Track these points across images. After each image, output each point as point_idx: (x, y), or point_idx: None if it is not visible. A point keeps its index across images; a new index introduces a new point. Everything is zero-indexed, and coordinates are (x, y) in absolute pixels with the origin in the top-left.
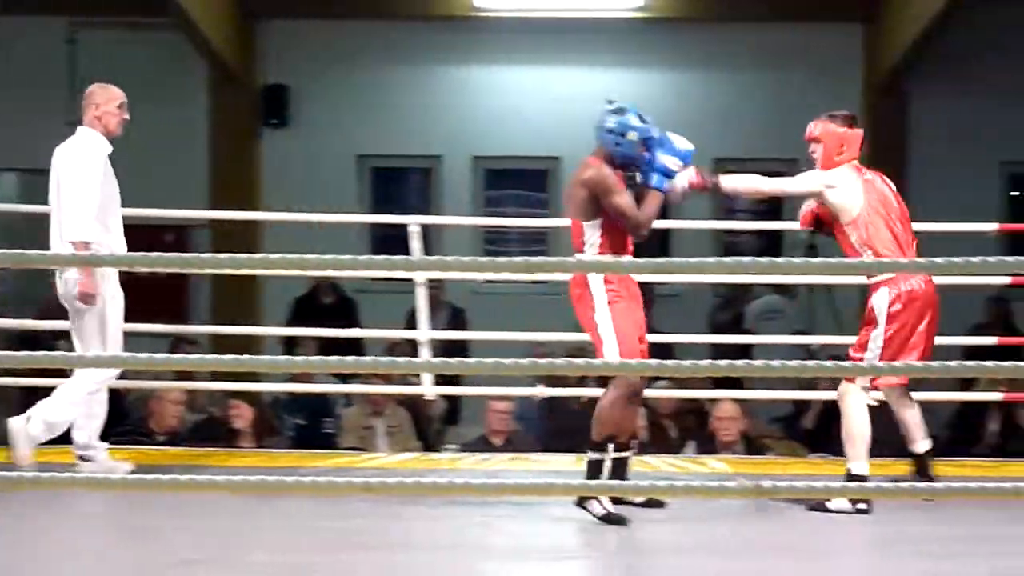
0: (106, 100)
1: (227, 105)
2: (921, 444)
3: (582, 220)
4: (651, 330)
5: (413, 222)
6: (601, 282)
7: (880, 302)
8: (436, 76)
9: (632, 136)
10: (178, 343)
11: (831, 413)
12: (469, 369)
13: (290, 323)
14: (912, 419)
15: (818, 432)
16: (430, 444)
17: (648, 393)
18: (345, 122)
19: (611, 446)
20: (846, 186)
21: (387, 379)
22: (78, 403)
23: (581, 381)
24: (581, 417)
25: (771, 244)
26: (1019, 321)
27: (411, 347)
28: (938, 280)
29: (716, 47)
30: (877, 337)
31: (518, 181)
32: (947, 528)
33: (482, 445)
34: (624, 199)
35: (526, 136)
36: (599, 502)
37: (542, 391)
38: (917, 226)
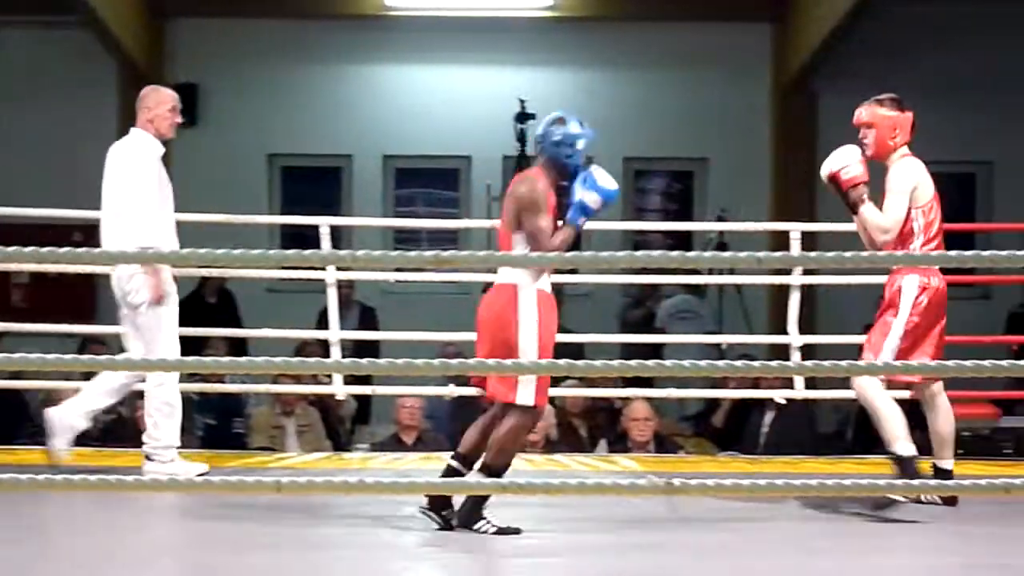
0: (157, 103)
1: None
2: (944, 463)
3: (512, 231)
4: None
5: (324, 222)
6: (532, 298)
7: (909, 288)
8: (346, 75)
9: (581, 145)
10: (86, 344)
11: (741, 411)
12: (380, 369)
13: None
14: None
15: (728, 430)
16: (341, 443)
17: (558, 392)
18: (255, 121)
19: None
20: (921, 177)
21: (297, 379)
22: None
23: None
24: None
25: (680, 244)
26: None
27: (322, 347)
28: (854, 280)
29: (625, 46)
30: (899, 325)
31: (428, 180)
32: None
33: (393, 444)
34: (543, 223)
35: (437, 135)
36: (487, 520)
37: (452, 390)
38: (825, 226)
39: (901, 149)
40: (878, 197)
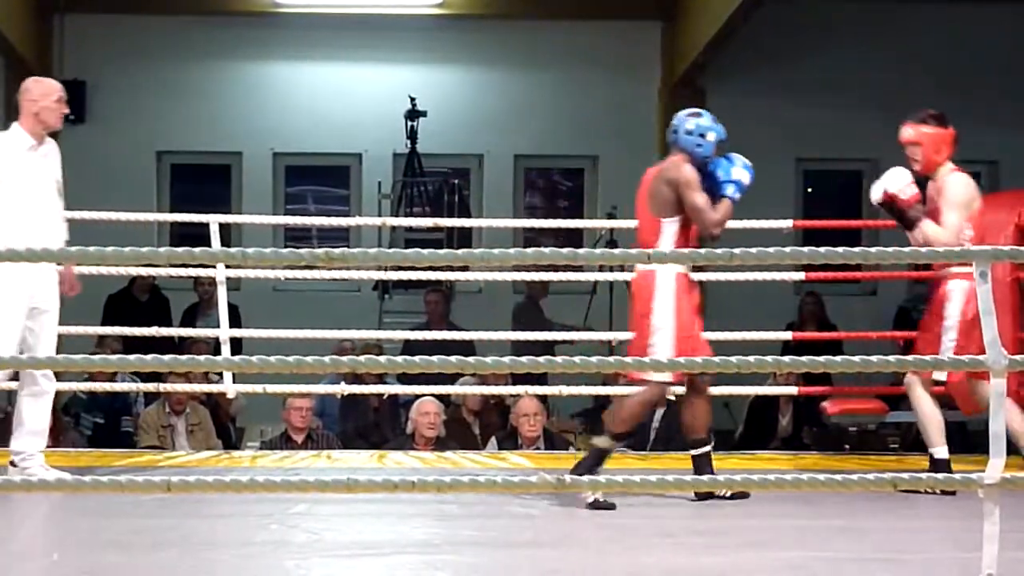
0: (43, 94)
1: None
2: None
3: (661, 217)
4: (451, 326)
5: (213, 220)
6: (671, 282)
7: (957, 294)
8: (236, 72)
9: (711, 137)
10: None
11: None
12: (270, 367)
13: (104, 321)
14: (1015, 423)
15: None
16: (231, 442)
17: (452, 390)
18: (144, 118)
19: (617, 443)
20: (975, 191)
21: (187, 377)
22: None
23: (380, 379)
24: (380, 414)
25: (571, 241)
26: (830, 315)
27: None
28: (744, 276)
29: (516, 45)
30: (950, 331)
31: (319, 178)
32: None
33: (283, 442)
34: (703, 198)
35: (327, 133)
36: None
37: (343, 388)
38: None
39: (948, 164)
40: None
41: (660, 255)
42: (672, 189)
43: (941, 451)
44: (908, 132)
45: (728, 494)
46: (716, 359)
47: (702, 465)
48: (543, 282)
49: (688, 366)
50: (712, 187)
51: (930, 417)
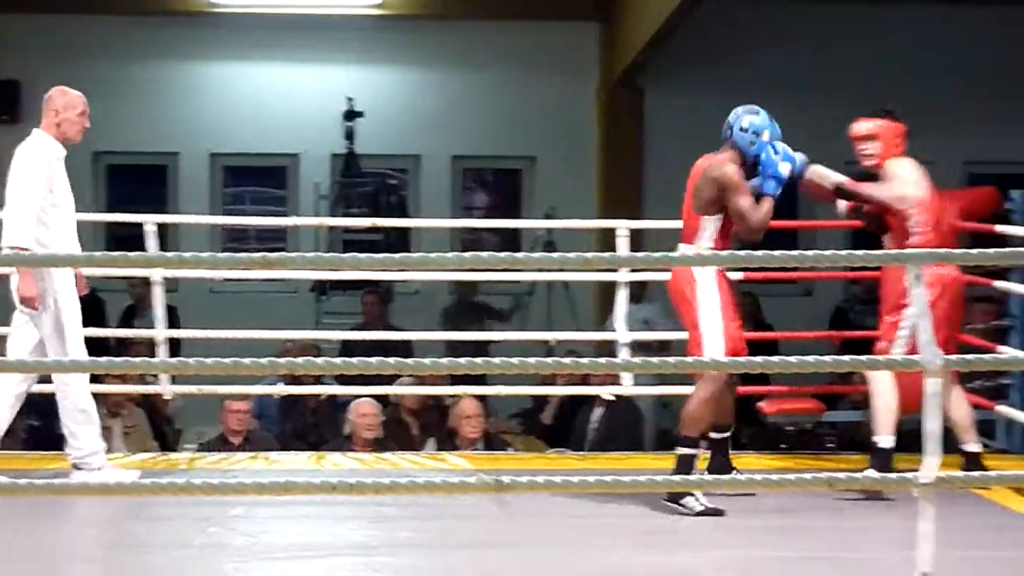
0: (66, 107)
1: None
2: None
3: (702, 214)
4: (389, 327)
5: (149, 220)
6: (711, 280)
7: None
8: (173, 72)
9: (765, 136)
10: None
11: (569, 408)
12: (207, 368)
13: None
14: (960, 415)
15: (557, 427)
16: (168, 444)
17: (391, 391)
18: None
19: (703, 443)
20: (920, 174)
21: (123, 379)
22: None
23: (318, 380)
24: (318, 415)
25: (509, 241)
26: (767, 315)
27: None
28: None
29: (454, 45)
30: (904, 324)
31: (257, 178)
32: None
33: (220, 444)
34: (747, 201)
35: (264, 133)
36: (695, 498)
37: (280, 389)
38: (651, 223)
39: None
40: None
41: (600, 259)
42: (716, 188)
43: (887, 440)
44: (864, 126)
45: (698, 509)
46: (654, 359)
47: (684, 466)
48: (473, 283)
49: (609, 368)
50: (756, 181)
51: (889, 404)
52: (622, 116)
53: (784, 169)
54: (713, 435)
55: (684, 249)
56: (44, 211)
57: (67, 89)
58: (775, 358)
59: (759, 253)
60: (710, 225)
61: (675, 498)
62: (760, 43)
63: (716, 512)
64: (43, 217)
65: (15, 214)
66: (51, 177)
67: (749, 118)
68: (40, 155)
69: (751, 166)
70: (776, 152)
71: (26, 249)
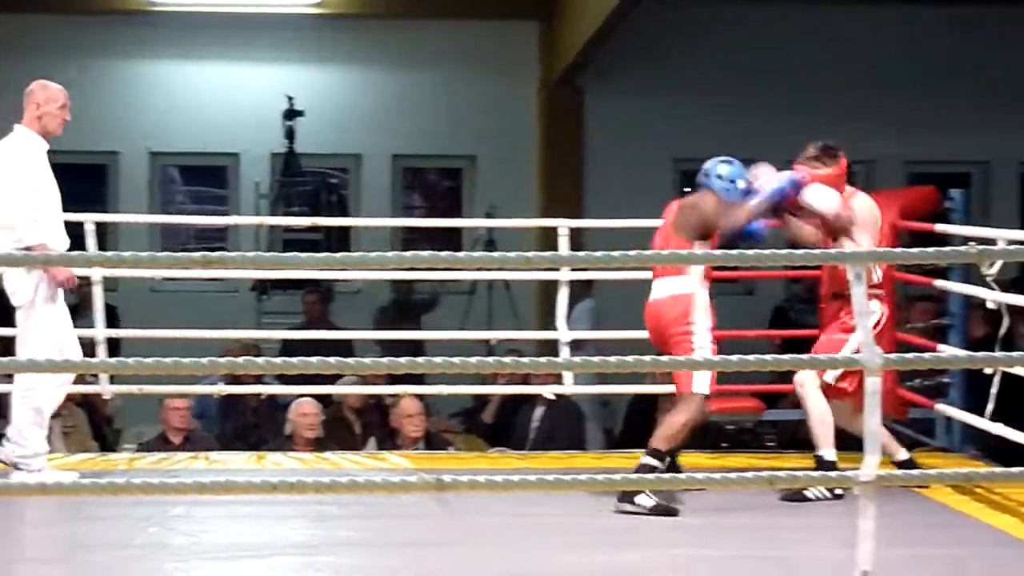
0: (47, 100)
1: None
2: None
3: (692, 239)
4: (330, 326)
5: (89, 220)
6: (704, 309)
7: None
8: (112, 71)
9: (740, 185)
10: None
11: (511, 407)
12: (147, 368)
13: None
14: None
15: (498, 426)
16: (108, 444)
17: (332, 390)
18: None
19: (667, 459)
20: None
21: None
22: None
23: (258, 379)
24: (259, 415)
25: (450, 240)
26: None
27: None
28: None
29: (394, 44)
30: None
31: (197, 178)
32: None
33: (160, 444)
34: (721, 207)
35: (204, 132)
36: (646, 494)
37: (220, 389)
38: (592, 222)
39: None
40: None
41: (540, 258)
42: (698, 215)
43: (830, 452)
44: (802, 175)
45: (649, 507)
46: (594, 359)
47: (644, 472)
48: (409, 283)
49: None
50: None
51: (823, 417)
52: (562, 115)
53: (775, 184)
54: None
55: (669, 280)
56: (35, 207)
57: (48, 83)
58: (716, 357)
59: (700, 252)
60: (702, 248)
61: (628, 498)
62: (700, 43)
63: (670, 511)
64: (33, 213)
65: (17, 215)
66: (38, 173)
67: (725, 167)
68: (25, 152)
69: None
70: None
71: (44, 246)
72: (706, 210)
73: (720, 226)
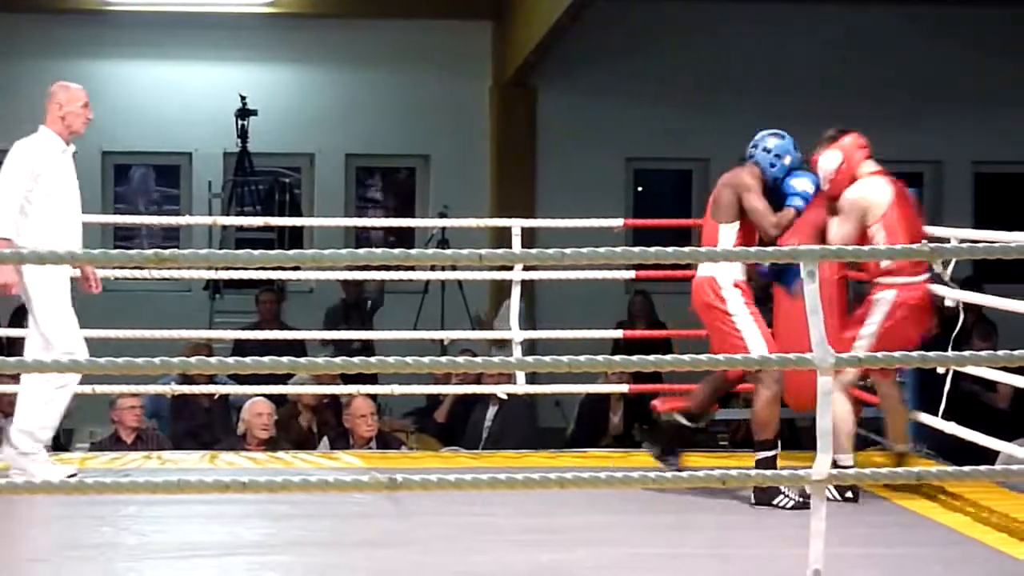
0: (69, 100)
1: None
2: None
3: (720, 221)
4: (283, 326)
5: None
6: (733, 288)
7: (881, 305)
8: (65, 70)
9: (787, 160)
10: None
11: (463, 406)
12: (100, 368)
13: None
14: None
15: (451, 426)
16: (60, 444)
17: (285, 390)
18: None
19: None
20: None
21: (15, 379)
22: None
23: (211, 379)
24: (211, 414)
25: (403, 240)
26: (660, 313)
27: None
28: (575, 275)
29: (346, 44)
30: (866, 337)
31: (149, 177)
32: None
33: (113, 444)
34: (762, 202)
35: (157, 131)
36: (784, 494)
37: (172, 388)
38: (544, 222)
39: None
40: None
41: (492, 255)
42: (734, 193)
43: (847, 459)
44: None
45: (789, 503)
46: (547, 358)
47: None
48: (359, 283)
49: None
50: (778, 200)
51: (845, 421)
52: (515, 115)
53: (807, 187)
54: (684, 422)
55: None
56: (28, 201)
57: (68, 84)
58: (668, 356)
59: (652, 249)
60: (727, 232)
61: (766, 500)
62: (653, 43)
63: (807, 505)
64: (25, 207)
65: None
66: (38, 170)
67: (774, 140)
68: (33, 149)
69: (771, 190)
70: (799, 176)
71: (7, 239)
72: (739, 187)
73: (760, 222)
